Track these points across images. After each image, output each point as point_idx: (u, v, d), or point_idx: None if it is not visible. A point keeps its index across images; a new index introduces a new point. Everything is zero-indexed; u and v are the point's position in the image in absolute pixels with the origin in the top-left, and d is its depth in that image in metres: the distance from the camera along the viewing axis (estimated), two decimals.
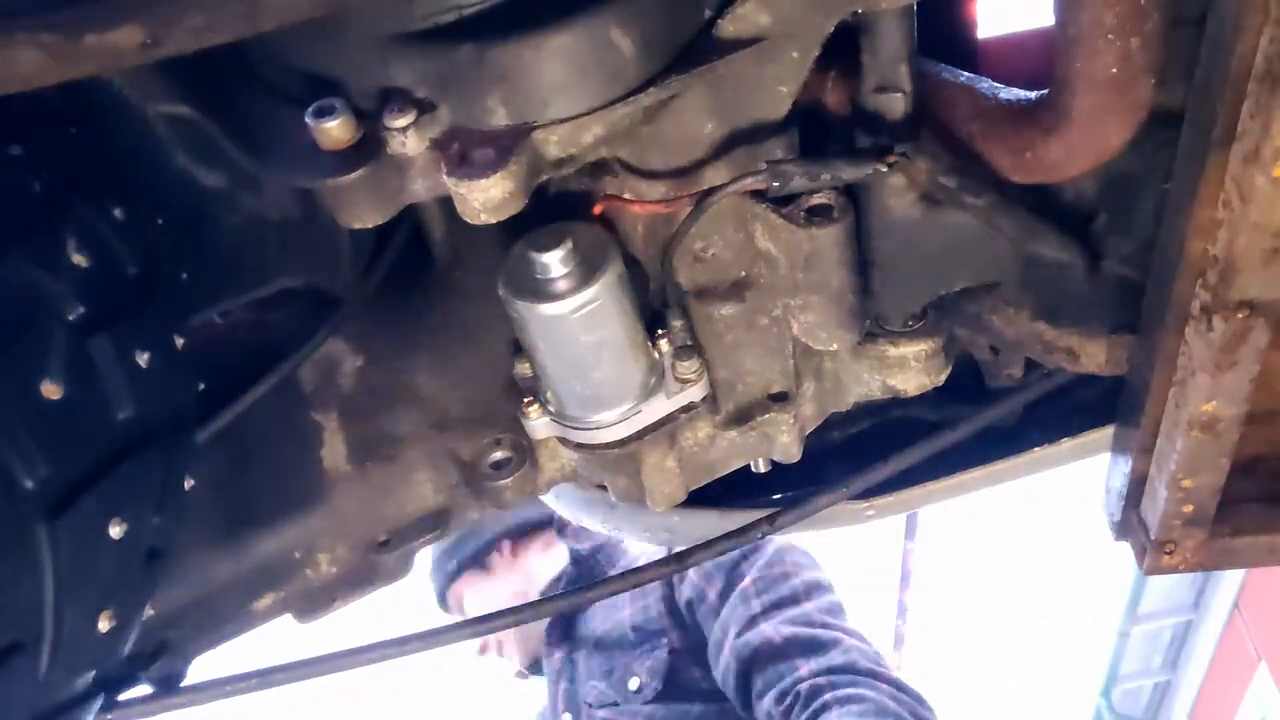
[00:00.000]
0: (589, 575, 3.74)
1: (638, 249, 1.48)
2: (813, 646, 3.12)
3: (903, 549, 9.06)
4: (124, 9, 0.93)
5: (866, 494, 1.88)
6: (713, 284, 1.51)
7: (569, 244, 1.34)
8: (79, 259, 1.23)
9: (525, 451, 1.66)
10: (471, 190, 1.18)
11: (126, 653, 1.41)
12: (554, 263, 1.34)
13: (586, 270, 1.36)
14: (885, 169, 1.37)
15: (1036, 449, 1.86)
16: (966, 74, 1.40)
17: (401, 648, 1.76)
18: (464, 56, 1.16)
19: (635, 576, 1.83)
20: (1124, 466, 1.58)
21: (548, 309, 1.36)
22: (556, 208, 1.42)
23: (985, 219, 1.45)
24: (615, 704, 3.42)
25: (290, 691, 1.78)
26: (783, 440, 1.66)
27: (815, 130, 1.45)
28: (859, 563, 9.32)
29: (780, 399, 1.63)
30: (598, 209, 1.41)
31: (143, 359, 1.29)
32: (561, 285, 1.36)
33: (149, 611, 1.44)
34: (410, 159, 1.20)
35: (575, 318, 1.37)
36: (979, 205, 1.44)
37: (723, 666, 3.23)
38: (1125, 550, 1.66)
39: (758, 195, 1.42)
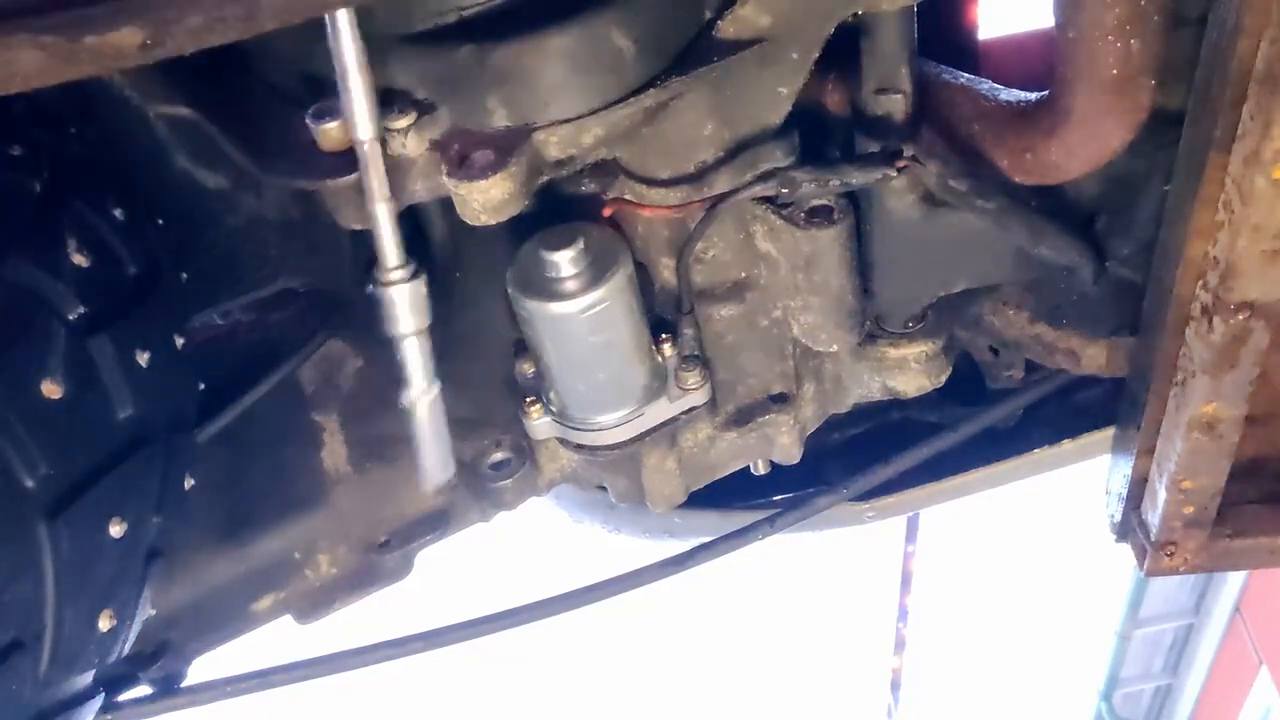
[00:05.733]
0: None
1: (640, 252, 1.48)
2: None
3: (903, 552, 9.06)
4: (124, 10, 0.93)
5: (867, 495, 1.88)
6: (713, 285, 1.51)
7: (580, 244, 1.34)
8: (79, 259, 1.24)
9: (525, 452, 1.66)
10: (471, 191, 1.18)
11: (126, 652, 1.41)
12: (564, 262, 1.34)
13: (597, 271, 1.36)
14: (896, 174, 1.37)
15: (1037, 451, 1.86)
16: (967, 75, 1.40)
17: (401, 648, 1.76)
18: (464, 58, 1.16)
19: (636, 578, 1.82)
20: (1124, 468, 1.58)
21: (557, 308, 1.36)
22: (564, 209, 1.42)
23: (996, 221, 1.45)
24: None
25: (290, 692, 1.78)
26: (783, 441, 1.66)
27: (815, 132, 1.45)
28: (859, 566, 9.32)
29: (780, 400, 1.63)
30: (607, 211, 1.41)
31: (143, 359, 1.29)
32: (571, 285, 1.36)
33: (149, 611, 1.44)
34: (410, 160, 1.20)
35: (584, 318, 1.37)
36: (989, 208, 1.44)
37: None
38: (1126, 552, 1.66)
39: (763, 198, 1.42)
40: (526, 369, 1.56)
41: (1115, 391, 1.60)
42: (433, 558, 1.81)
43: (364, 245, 1.62)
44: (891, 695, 10.21)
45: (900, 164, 1.36)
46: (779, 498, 1.96)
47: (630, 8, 1.18)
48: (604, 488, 1.74)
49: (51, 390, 1.18)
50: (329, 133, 1.17)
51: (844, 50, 1.34)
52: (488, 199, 1.19)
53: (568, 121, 1.21)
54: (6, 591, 1.16)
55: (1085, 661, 10.39)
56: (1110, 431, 1.67)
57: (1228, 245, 1.20)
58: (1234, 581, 8.98)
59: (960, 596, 10.25)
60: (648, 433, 1.54)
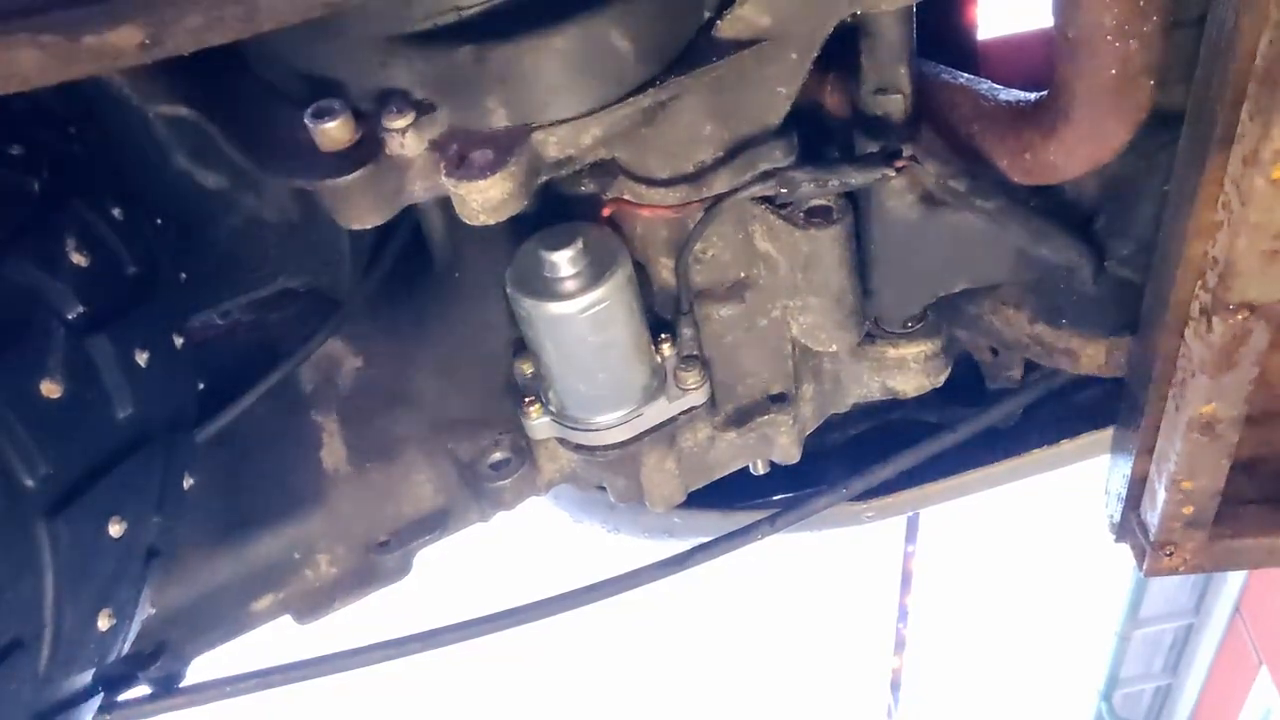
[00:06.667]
0: None
1: (639, 252, 1.48)
2: None
3: (903, 552, 9.06)
4: (123, 9, 0.93)
5: (866, 495, 1.88)
6: (712, 285, 1.52)
7: (580, 244, 1.35)
8: (78, 259, 1.24)
9: (525, 452, 1.66)
10: (470, 191, 1.18)
11: (126, 652, 1.41)
12: (564, 262, 1.35)
13: (596, 270, 1.36)
14: (895, 174, 1.37)
15: (1036, 451, 1.86)
16: (966, 75, 1.40)
17: (401, 648, 1.76)
18: (463, 58, 1.16)
19: (636, 578, 1.82)
20: (1124, 468, 1.58)
21: (556, 308, 1.36)
22: (563, 209, 1.42)
23: (996, 222, 1.45)
24: None
25: (290, 692, 1.78)
26: (782, 441, 1.66)
27: (814, 132, 1.45)
28: (859, 566, 9.32)
29: (779, 400, 1.63)
30: (606, 211, 1.41)
31: (142, 358, 1.29)
32: (571, 285, 1.36)
33: (149, 611, 1.44)
34: (409, 160, 1.20)
35: (583, 317, 1.37)
36: (989, 208, 1.44)
37: None
38: (1125, 552, 1.66)
39: (762, 198, 1.42)
40: (526, 369, 1.56)
41: (1115, 391, 1.60)
42: (432, 558, 1.81)
43: (363, 245, 1.63)
44: (891, 695, 10.22)
45: (899, 164, 1.36)
46: (779, 498, 1.96)
47: (630, 8, 1.18)
48: (603, 488, 1.74)
49: (51, 390, 1.18)
50: (329, 133, 1.17)
51: (843, 50, 1.34)
52: (487, 199, 1.19)
53: (567, 121, 1.21)
54: (6, 591, 1.15)
55: (1085, 661, 10.39)
56: (1110, 431, 1.67)
57: (1227, 245, 1.20)
58: (1234, 581, 8.98)
59: (960, 596, 10.25)
60: (647, 433, 1.54)
